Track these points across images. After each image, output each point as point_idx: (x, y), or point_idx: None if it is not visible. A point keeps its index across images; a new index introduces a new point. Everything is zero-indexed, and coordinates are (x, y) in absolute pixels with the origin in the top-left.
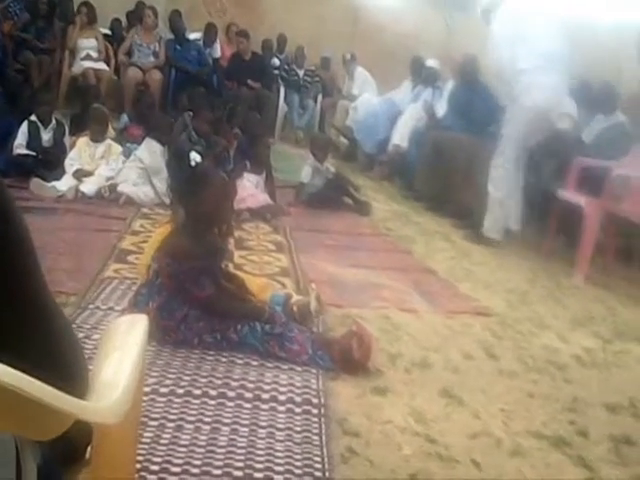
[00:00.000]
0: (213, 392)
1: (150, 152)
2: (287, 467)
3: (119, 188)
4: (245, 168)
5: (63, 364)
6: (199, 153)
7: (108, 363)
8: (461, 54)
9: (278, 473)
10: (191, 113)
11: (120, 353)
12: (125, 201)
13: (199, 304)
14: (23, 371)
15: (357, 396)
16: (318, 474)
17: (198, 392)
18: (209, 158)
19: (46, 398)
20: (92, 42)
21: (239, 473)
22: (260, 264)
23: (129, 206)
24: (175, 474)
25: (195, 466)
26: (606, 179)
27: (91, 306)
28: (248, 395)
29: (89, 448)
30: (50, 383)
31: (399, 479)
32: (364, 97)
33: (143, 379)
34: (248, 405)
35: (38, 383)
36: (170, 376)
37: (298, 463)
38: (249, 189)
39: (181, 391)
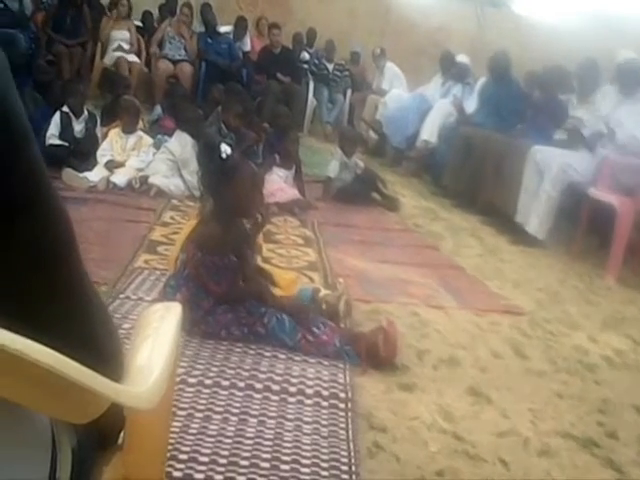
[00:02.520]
0: (241, 384)
1: (181, 144)
2: (314, 460)
3: (150, 180)
4: (275, 162)
5: (100, 347)
6: (229, 145)
7: (143, 349)
8: (492, 50)
9: (305, 466)
10: (219, 109)
11: (155, 339)
12: (156, 193)
13: (215, 297)
14: (61, 353)
15: (384, 391)
16: (344, 468)
17: (226, 383)
18: (238, 152)
19: (85, 380)
20: (125, 34)
21: (266, 464)
22: (288, 258)
23: (159, 197)
24: (203, 464)
25: (223, 456)
26: None
27: (121, 296)
28: (275, 388)
29: (121, 434)
30: (87, 366)
31: (425, 476)
32: (394, 92)
33: (176, 366)
34: (275, 397)
35: (77, 365)
36: (198, 367)
37: (324, 457)
38: (278, 183)
39: (209, 382)
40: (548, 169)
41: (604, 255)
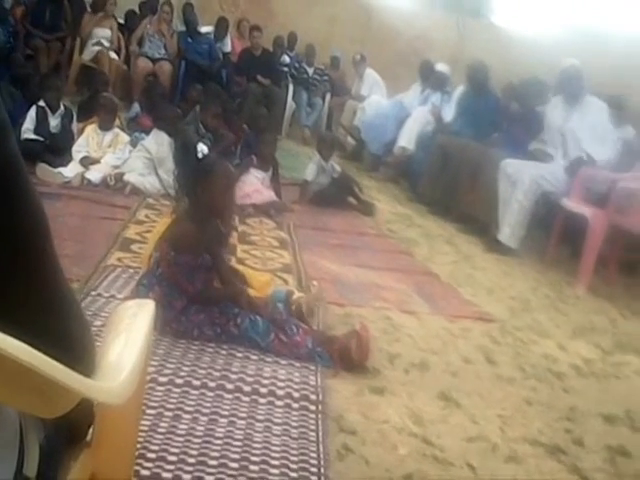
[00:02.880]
0: (212, 384)
1: (157, 143)
2: (283, 461)
3: (125, 177)
4: (252, 163)
5: (73, 342)
6: (206, 145)
7: (115, 345)
8: (471, 60)
9: (274, 467)
10: (198, 109)
11: (127, 336)
12: (131, 190)
13: (189, 296)
14: (34, 347)
15: (355, 394)
16: (314, 470)
17: (197, 383)
18: (216, 152)
19: (56, 375)
20: (106, 32)
21: (235, 465)
22: (263, 259)
23: (134, 195)
24: (172, 463)
25: (191, 456)
26: (612, 191)
27: (93, 293)
28: (246, 388)
29: (90, 430)
30: (58, 360)
31: (394, 479)
32: (373, 98)
33: (148, 363)
34: (246, 398)
35: (50, 360)
36: (169, 366)
37: (294, 458)
38: (255, 185)
39: (180, 381)
40: (521, 181)
41: (576, 265)
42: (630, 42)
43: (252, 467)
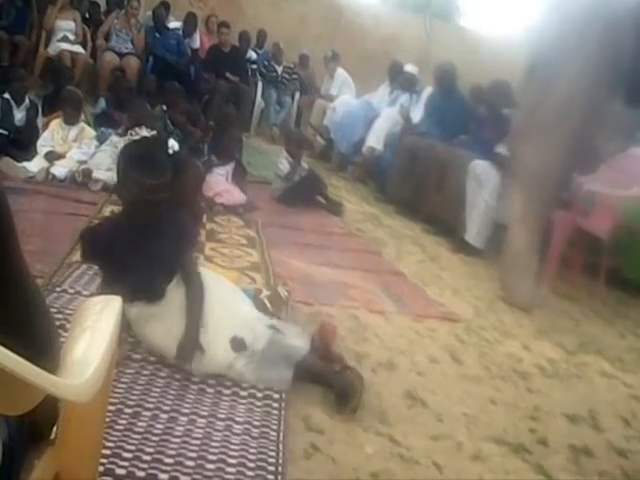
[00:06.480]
0: (175, 383)
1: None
2: (240, 460)
3: (94, 174)
4: (213, 162)
5: (36, 338)
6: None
7: (81, 342)
8: (439, 61)
9: (230, 465)
10: (165, 106)
11: (93, 332)
12: (101, 187)
13: None
14: None
15: (322, 394)
16: (271, 469)
17: (161, 382)
18: (184, 148)
19: (21, 371)
20: (70, 24)
21: (191, 463)
22: (231, 257)
23: (100, 191)
24: (126, 460)
25: (147, 453)
26: (576, 193)
27: (58, 289)
28: (210, 390)
29: (54, 428)
30: (23, 356)
31: (360, 477)
32: (343, 98)
33: (114, 361)
34: (209, 396)
35: (13, 355)
36: (133, 365)
37: (252, 457)
38: (223, 184)
39: (143, 380)
40: (487, 180)
41: (540, 266)
42: None
43: (208, 465)
